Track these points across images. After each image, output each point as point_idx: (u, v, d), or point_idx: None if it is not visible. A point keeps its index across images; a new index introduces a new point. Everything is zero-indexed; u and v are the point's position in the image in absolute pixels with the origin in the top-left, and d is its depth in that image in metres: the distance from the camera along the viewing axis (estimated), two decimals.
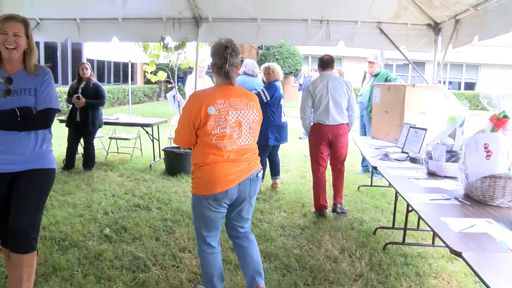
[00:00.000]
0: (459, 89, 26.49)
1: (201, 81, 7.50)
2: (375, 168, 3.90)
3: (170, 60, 7.19)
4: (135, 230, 4.21)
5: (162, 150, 6.96)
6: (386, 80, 6.49)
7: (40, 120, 2.62)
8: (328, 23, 5.88)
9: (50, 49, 16.19)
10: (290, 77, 24.50)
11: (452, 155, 3.34)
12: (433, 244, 4.02)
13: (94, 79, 6.69)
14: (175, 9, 6.06)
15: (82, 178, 6.19)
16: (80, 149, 7.00)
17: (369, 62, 6.81)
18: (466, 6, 4.52)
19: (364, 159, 7.07)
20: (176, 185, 5.98)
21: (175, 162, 6.63)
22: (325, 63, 4.93)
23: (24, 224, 2.52)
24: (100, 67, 20.69)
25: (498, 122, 2.75)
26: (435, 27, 5.67)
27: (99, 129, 6.90)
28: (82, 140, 6.78)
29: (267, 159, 5.92)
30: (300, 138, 10.68)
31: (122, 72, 23.51)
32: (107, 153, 7.78)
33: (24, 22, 2.60)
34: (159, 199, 5.28)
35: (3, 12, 4.08)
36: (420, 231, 4.36)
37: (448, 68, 25.76)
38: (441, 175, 3.34)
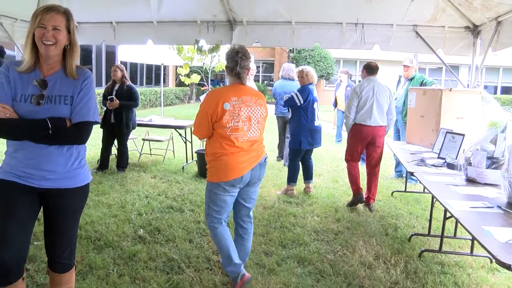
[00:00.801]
0: (495, 93, 25.77)
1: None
2: (411, 173, 3.83)
3: (203, 63, 7.25)
4: (168, 232, 4.25)
5: (195, 152, 7.01)
6: (421, 84, 6.35)
7: (74, 135, 2.24)
8: (363, 26, 5.82)
9: (85, 52, 16.61)
10: (322, 80, 24.29)
11: (493, 162, 3.25)
12: (471, 253, 3.89)
13: (128, 81, 6.79)
14: (209, 12, 6.09)
15: (116, 178, 6.30)
16: (114, 150, 7.13)
17: (404, 65, 6.68)
18: (511, 7, 4.38)
19: (397, 164, 6.95)
20: None
21: None
22: (372, 69, 5.27)
23: (64, 250, 2.36)
24: (133, 70, 21.12)
25: None
26: (474, 30, 5.51)
27: (133, 130, 7.00)
28: (116, 141, 6.90)
29: (300, 163, 5.89)
30: (339, 141, 10.52)
31: (154, 75, 23.93)
32: (140, 155, 7.89)
33: (66, 14, 2.28)
34: (192, 201, 5.31)
35: None
36: (457, 239, 4.25)
37: (484, 71, 25.06)
38: (481, 182, 3.25)
